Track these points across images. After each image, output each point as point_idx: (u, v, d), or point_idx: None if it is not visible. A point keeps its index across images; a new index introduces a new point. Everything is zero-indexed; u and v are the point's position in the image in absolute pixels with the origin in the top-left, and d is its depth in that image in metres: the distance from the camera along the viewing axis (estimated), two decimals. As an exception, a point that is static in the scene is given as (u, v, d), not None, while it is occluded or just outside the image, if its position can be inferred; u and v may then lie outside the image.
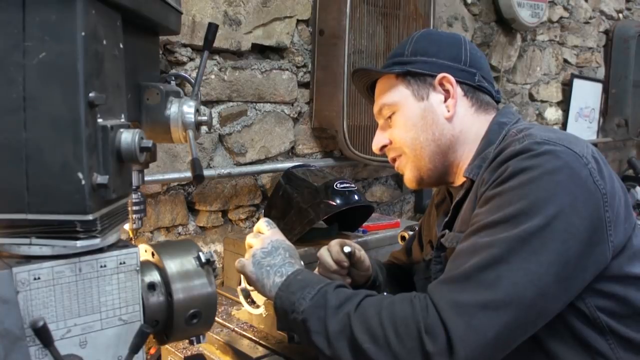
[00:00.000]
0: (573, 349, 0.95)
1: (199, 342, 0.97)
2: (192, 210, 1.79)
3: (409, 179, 1.19)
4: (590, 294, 0.94)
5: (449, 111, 1.12)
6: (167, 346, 1.22)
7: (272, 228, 1.18)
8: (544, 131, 0.99)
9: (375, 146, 1.21)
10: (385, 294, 1.01)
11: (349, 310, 0.93)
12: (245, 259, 1.12)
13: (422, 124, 1.13)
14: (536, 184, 0.89)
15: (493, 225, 0.91)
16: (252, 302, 1.31)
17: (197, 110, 1.02)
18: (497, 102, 1.20)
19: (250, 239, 1.17)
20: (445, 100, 1.13)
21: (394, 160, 1.21)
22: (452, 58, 1.14)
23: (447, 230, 1.12)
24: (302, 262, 1.12)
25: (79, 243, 0.72)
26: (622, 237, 0.94)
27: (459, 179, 1.15)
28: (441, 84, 1.13)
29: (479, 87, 1.15)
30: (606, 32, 3.78)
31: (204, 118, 1.04)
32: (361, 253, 1.28)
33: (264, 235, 1.15)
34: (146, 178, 1.19)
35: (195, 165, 0.97)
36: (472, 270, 0.88)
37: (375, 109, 1.21)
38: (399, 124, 1.16)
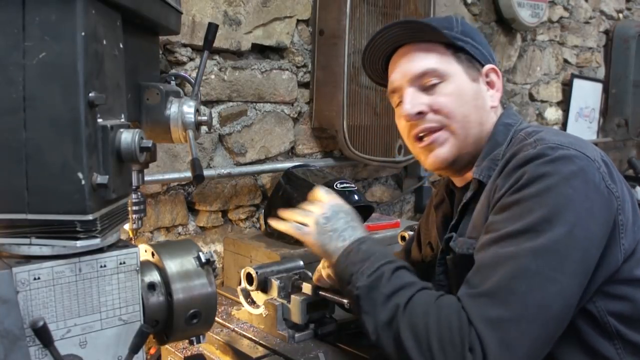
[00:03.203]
0: (579, 353, 0.95)
1: (199, 342, 0.97)
2: (192, 210, 1.79)
3: (442, 158, 1.09)
4: (600, 297, 0.94)
5: (493, 101, 1.12)
6: (167, 346, 1.22)
7: (330, 194, 1.16)
8: (555, 135, 0.98)
9: (414, 108, 1.07)
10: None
11: (399, 302, 0.93)
12: (307, 228, 1.11)
13: (474, 104, 1.09)
14: (555, 191, 0.89)
15: (515, 234, 0.89)
16: (252, 302, 1.31)
17: (197, 110, 1.03)
18: None
19: (308, 206, 1.15)
20: (488, 91, 1.12)
21: (430, 132, 1.08)
22: (490, 53, 1.15)
23: (454, 234, 1.09)
24: (363, 224, 1.12)
25: (79, 243, 0.72)
26: (632, 240, 0.95)
27: (463, 177, 1.14)
28: (487, 74, 1.12)
29: None
30: (606, 32, 3.78)
31: (204, 118, 1.04)
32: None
33: (323, 201, 1.14)
34: (146, 178, 1.18)
35: (195, 165, 0.97)
36: (500, 283, 0.87)
37: (415, 69, 1.09)
38: (449, 94, 1.07)
